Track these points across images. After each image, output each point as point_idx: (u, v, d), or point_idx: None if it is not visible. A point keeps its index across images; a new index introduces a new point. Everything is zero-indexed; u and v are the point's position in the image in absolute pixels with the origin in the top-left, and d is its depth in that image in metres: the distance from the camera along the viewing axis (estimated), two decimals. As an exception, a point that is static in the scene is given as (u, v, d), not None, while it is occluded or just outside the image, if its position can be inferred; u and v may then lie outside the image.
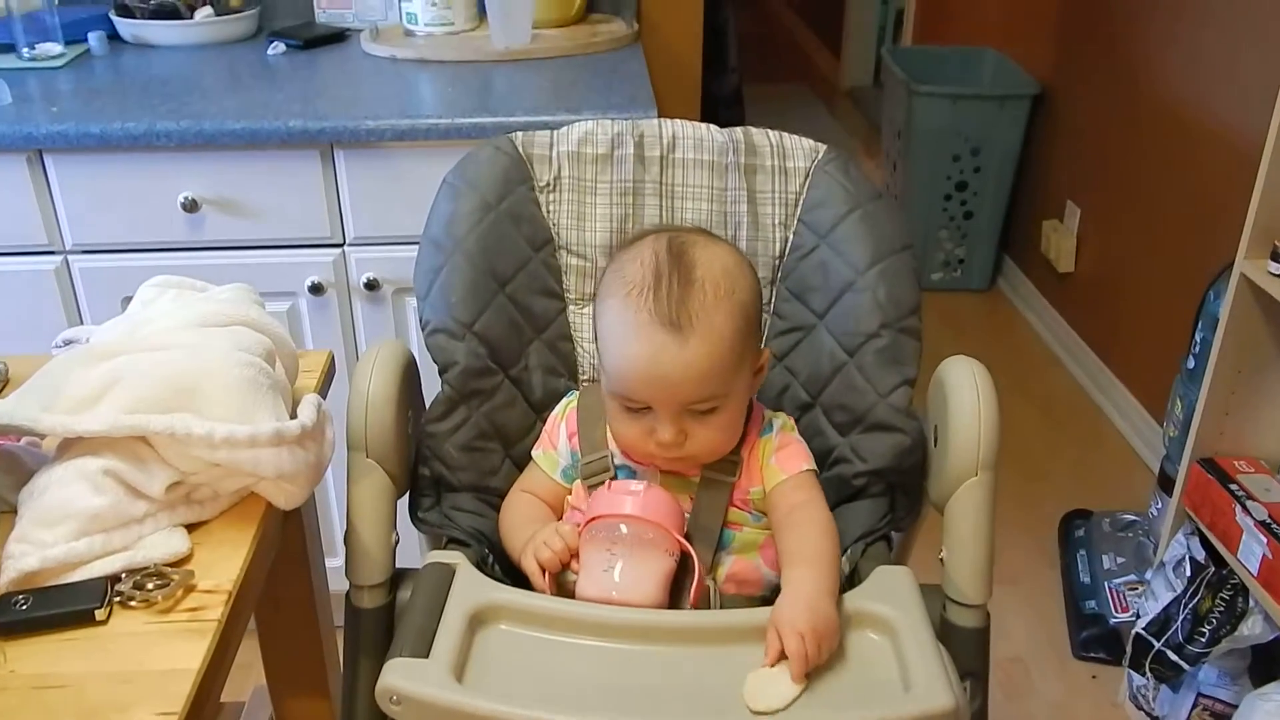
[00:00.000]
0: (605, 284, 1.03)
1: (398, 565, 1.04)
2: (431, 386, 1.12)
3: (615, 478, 1.06)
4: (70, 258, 1.68)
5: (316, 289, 1.70)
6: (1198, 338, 1.83)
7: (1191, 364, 1.85)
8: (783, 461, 1.05)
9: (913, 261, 1.13)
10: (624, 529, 0.96)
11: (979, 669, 1.01)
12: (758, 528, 1.05)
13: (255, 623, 1.22)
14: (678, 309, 0.96)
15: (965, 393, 1.01)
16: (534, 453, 1.13)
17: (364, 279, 1.71)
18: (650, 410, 0.99)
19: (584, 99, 1.72)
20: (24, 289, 1.68)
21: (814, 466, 1.06)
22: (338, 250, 1.70)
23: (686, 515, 1.03)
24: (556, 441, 1.12)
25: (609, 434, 1.08)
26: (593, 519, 0.98)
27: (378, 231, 1.70)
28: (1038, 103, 3.08)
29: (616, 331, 0.99)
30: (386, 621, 1.01)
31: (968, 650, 1.00)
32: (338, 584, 1.09)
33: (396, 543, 1.03)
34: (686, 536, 1.00)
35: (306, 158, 1.64)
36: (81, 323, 1.72)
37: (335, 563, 1.08)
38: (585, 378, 1.19)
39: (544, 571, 0.99)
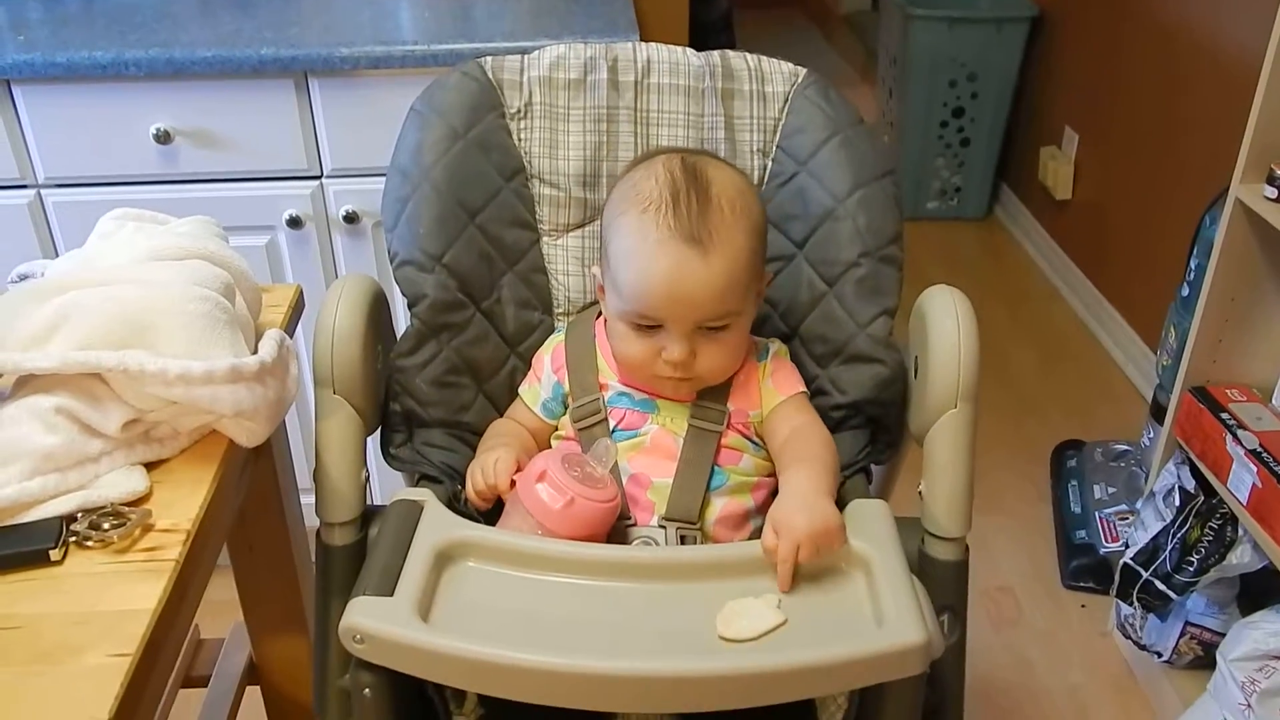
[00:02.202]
0: (617, 201, 1.02)
1: (378, 503, 1.03)
2: (405, 321, 1.09)
3: (605, 420, 1.04)
4: (44, 191, 1.65)
5: (295, 222, 1.67)
6: (1193, 264, 1.80)
7: (1186, 291, 1.82)
8: (778, 384, 1.06)
9: (894, 189, 1.10)
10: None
11: (957, 603, 1.00)
12: (757, 458, 1.05)
13: (230, 560, 1.21)
14: (698, 224, 0.96)
15: (945, 323, 0.98)
16: (520, 388, 1.12)
17: (343, 211, 1.68)
18: (660, 329, 0.99)
19: (564, 24, 1.68)
20: (-3, 224, 1.65)
21: (805, 389, 1.07)
22: (315, 182, 1.67)
23: (675, 462, 1.02)
24: (541, 374, 1.10)
25: (600, 376, 1.06)
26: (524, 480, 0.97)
27: (356, 163, 1.66)
28: (1036, 26, 3.01)
29: (634, 247, 0.98)
30: (357, 559, 0.99)
31: (945, 584, 0.98)
32: (316, 518, 1.08)
33: (367, 479, 1.02)
34: (675, 480, 1.00)
35: (281, 87, 1.60)
36: (57, 257, 1.69)
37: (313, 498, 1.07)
38: (560, 311, 1.17)
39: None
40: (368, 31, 1.64)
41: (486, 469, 0.99)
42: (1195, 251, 1.79)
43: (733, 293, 0.98)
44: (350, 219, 1.68)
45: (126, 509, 0.82)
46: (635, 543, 0.99)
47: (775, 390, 1.05)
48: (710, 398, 1.05)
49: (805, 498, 0.90)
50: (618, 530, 1.00)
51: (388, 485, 1.06)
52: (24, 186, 1.64)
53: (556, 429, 1.10)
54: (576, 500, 0.93)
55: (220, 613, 1.25)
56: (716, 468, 1.02)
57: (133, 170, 1.64)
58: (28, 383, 0.85)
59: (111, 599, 0.76)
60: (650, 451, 1.03)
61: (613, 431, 1.04)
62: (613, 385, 1.06)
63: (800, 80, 1.14)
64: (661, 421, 1.04)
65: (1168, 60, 2.40)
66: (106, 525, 0.80)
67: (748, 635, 0.83)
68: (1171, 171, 2.40)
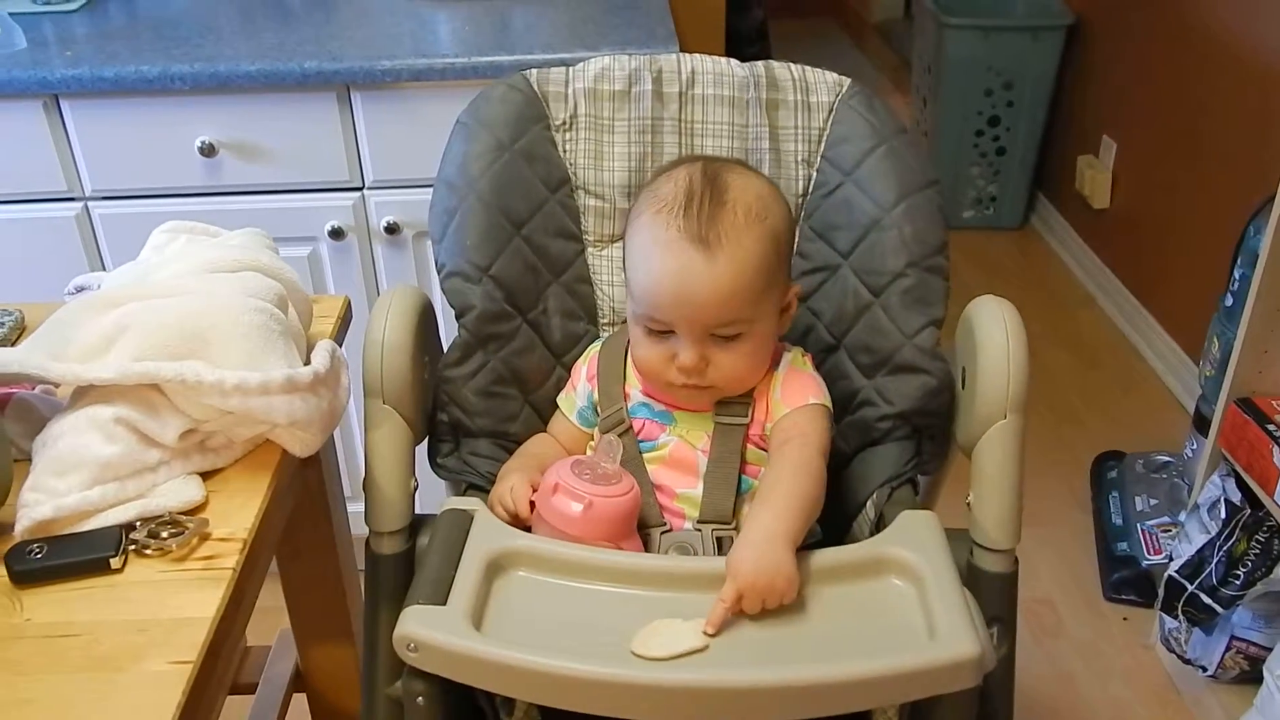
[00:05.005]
0: (637, 204, 1.03)
1: (421, 512, 1.04)
2: (450, 332, 1.10)
3: (629, 429, 1.05)
4: (90, 204, 1.67)
5: (337, 233, 1.69)
6: (1236, 274, 1.78)
7: (1230, 301, 1.80)
8: (786, 395, 1.03)
9: (939, 198, 1.10)
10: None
11: (1006, 615, 0.99)
12: None
13: (278, 568, 1.22)
14: (707, 227, 0.96)
15: (994, 333, 0.98)
16: (558, 398, 1.13)
17: (384, 223, 1.69)
18: (673, 334, 0.98)
19: (602, 35, 1.68)
20: (46, 236, 1.68)
21: (821, 400, 1.03)
22: (357, 194, 1.69)
23: (704, 461, 1.02)
24: (577, 384, 1.11)
25: (625, 386, 1.07)
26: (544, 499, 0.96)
27: (397, 174, 1.67)
28: (1072, 34, 2.99)
29: (644, 247, 0.99)
30: (406, 567, 1.00)
31: (995, 596, 0.98)
32: (362, 528, 1.08)
33: (415, 489, 1.02)
34: (706, 481, 1.00)
35: (323, 100, 1.62)
36: (104, 269, 1.72)
37: (358, 506, 1.08)
38: (605, 321, 1.17)
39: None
40: (408, 44, 1.66)
41: (505, 500, 0.99)
42: (1239, 261, 1.77)
43: (741, 297, 0.97)
44: (391, 230, 1.69)
45: (184, 518, 0.83)
46: (671, 549, 0.99)
47: (781, 403, 1.03)
48: (732, 398, 1.04)
49: (759, 545, 0.87)
50: (652, 537, 1.00)
51: (427, 494, 1.06)
52: (72, 199, 1.67)
53: (593, 438, 1.10)
54: (595, 502, 0.93)
55: (265, 619, 1.26)
56: (741, 476, 1.02)
57: (178, 183, 1.66)
58: (86, 393, 0.87)
59: (171, 607, 0.77)
60: (671, 464, 1.03)
61: (636, 442, 1.05)
62: (634, 395, 1.07)
63: (845, 90, 1.14)
64: (680, 433, 1.04)
65: (1207, 68, 2.38)
66: (165, 534, 0.81)
67: (659, 654, 0.81)
68: (1212, 180, 2.38)
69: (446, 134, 1.13)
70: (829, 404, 1.04)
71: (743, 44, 2.58)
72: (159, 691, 0.70)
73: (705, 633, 0.84)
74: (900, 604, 0.88)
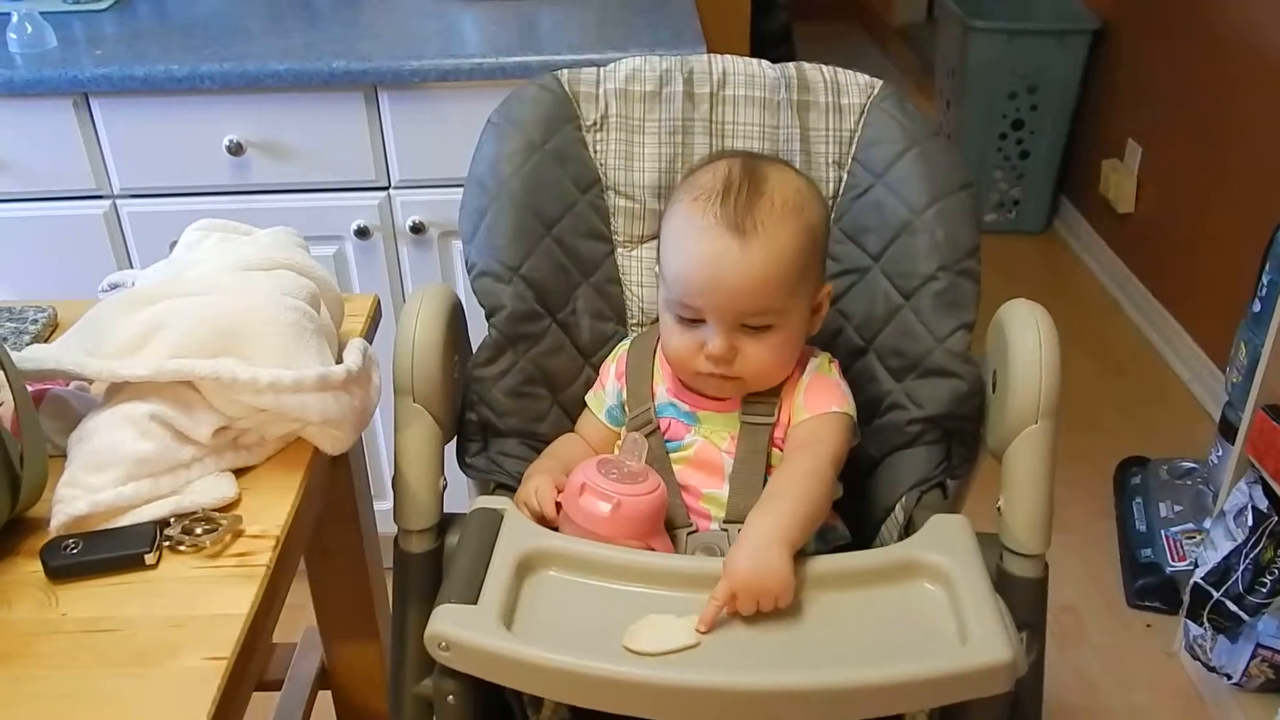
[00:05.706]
0: (676, 193, 1.04)
1: (446, 510, 1.04)
2: (479, 331, 1.10)
3: (656, 429, 1.04)
4: (118, 202, 1.68)
5: (362, 233, 1.69)
6: (1265, 280, 1.76)
7: (1258, 307, 1.79)
8: (809, 401, 1.03)
9: (972, 201, 1.10)
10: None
11: (1036, 620, 0.99)
12: None
13: (305, 566, 1.23)
14: (743, 215, 0.96)
15: (1027, 337, 0.97)
16: (586, 396, 1.13)
17: (410, 222, 1.69)
18: (704, 323, 0.99)
19: (629, 36, 1.68)
20: (74, 233, 1.69)
21: (844, 409, 1.03)
22: (383, 193, 1.69)
23: (729, 463, 1.02)
24: (605, 382, 1.11)
25: (653, 386, 1.07)
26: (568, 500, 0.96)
27: (423, 174, 1.68)
28: (1098, 38, 2.98)
29: (679, 233, 0.99)
30: (435, 566, 1.01)
31: (1024, 601, 0.98)
32: (388, 527, 1.09)
33: (444, 488, 1.03)
34: (732, 481, 1.00)
35: (350, 99, 1.62)
36: (131, 266, 1.73)
37: (385, 505, 1.08)
38: (634, 322, 1.17)
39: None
40: (435, 44, 1.66)
41: (530, 502, 0.99)
42: (1268, 266, 1.76)
43: (773, 288, 0.97)
44: (417, 229, 1.70)
45: (217, 515, 0.84)
46: (698, 551, 0.99)
47: (803, 407, 1.03)
48: (758, 397, 1.04)
49: (756, 547, 0.87)
50: (678, 538, 1.00)
51: (449, 493, 1.07)
52: (100, 197, 1.68)
53: (620, 437, 1.10)
54: (623, 501, 0.93)
55: (287, 615, 1.26)
56: (767, 477, 1.02)
57: (205, 181, 1.67)
58: (121, 390, 0.87)
59: (205, 603, 0.77)
60: (696, 465, 1.03)
61: (663, 442, 1.05)
62: (661, 394, 1.07)
63: (876, 92, 1.14)
64: (705, 434, 1.04)
65: (1233, 71, 2.37)
66: (199, 530, 0.82)
67: (650, 650, 0.82)
68: (1239, 184, 2.37)
69: (473, 134, 1.14)
70: (852, 412, 1.04)
71: (768, 46, 2.58)
72: (194, 687, 0.71)
73: (697, 630, 0.84)
74: (931, 608, 0.88)
